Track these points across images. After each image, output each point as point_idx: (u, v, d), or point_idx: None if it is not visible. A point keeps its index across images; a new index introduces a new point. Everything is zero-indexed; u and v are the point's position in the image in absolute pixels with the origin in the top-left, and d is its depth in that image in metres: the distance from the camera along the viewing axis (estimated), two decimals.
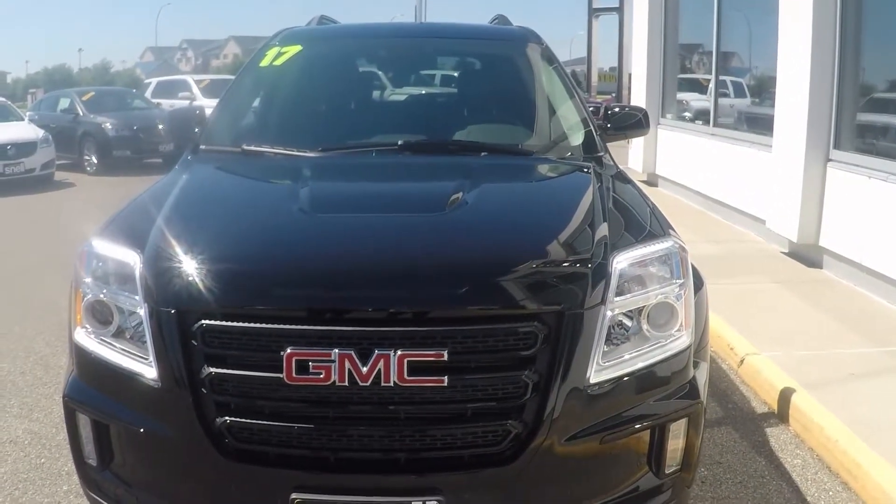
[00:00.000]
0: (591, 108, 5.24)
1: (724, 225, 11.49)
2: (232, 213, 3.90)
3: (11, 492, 4.63)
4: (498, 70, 5.70)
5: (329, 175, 4.40)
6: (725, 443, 5.13)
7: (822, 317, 7.13)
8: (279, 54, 5.41)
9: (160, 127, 20.66)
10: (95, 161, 21.51)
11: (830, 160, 8.63)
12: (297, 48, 5.49)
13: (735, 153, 11.30)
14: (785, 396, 5.48)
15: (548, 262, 3.26)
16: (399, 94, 5.82)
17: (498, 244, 3.40)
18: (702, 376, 3.41)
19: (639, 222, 3.80)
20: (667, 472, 3.22)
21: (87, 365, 3.30)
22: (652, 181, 15.21)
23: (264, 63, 5.41)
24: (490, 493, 2.98)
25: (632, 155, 15.94)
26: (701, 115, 13.50)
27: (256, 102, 5.47)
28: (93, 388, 3.29)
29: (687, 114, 14.48)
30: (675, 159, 14.09)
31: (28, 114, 23.59)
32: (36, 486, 4.69)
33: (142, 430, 3.10)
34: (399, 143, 4.60)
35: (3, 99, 22.58)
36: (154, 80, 30.81)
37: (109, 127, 21.36)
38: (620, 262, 3.19)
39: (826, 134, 8.66)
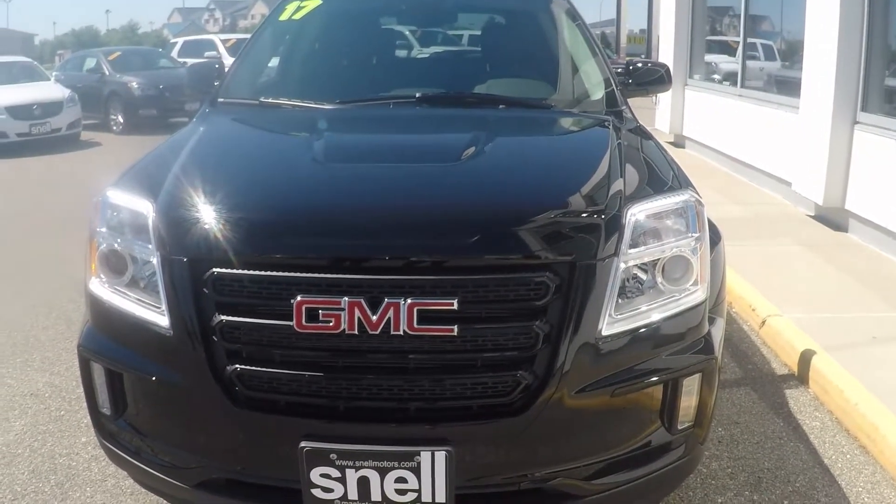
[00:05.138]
0: (618, 70, 5.20)
1: (751, 187, 11.40)
2: (246, 163, 3.89)
3: (31, 443, 4.69)
4: (521, 25, 5.64)
5: (344, 126, 4.39)
6: (744, 403, 5.11)
7: (846, 280, 7.07)
8: (298, 8, 5.40)
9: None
10: (121, 120, 21.56)
11: (857, 122, 8.51)
12: (316, 2, 5.47)
13: (762, 115, 11.18)
14: (805, 358, 5.44)
15: (561, 213, 3.20)
16: (419, 49, 5.78)
17: (511, 194, 3.37)
18: (717, 332, 3.37)
19: (656, 175, 3.75)
20: (679, 427, 3.18)
21: (102, 314, 3.31)
22: (679, 142, 15.11)
23: (283, 17, 5.40)
24: (499, 444, 2.95)
25: (659, 116, 15.83)
26: (729, 77, 13.36)
27: (275, 56, 5.47)
28: (107, 337, 3.29)
29: (715, 75, 14.33)
30: (702, 121, 13.96)
31: (54, 74, 23.64)
32: (55, 438, 4.74)
33: (154, 378, 3.11)
34: (417, 95, 4.57)
35: (29, 59, 22.70)
36: (180, 40, 30.73)
37: (135, 86, 21.38)
38: (635, 213, 3.14)
39: (853, 96, 8.54)
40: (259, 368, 2.95)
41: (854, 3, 8.40)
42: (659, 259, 3.14)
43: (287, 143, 4.34)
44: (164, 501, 3.71)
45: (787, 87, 10.91)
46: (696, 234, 3.23)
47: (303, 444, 2.86)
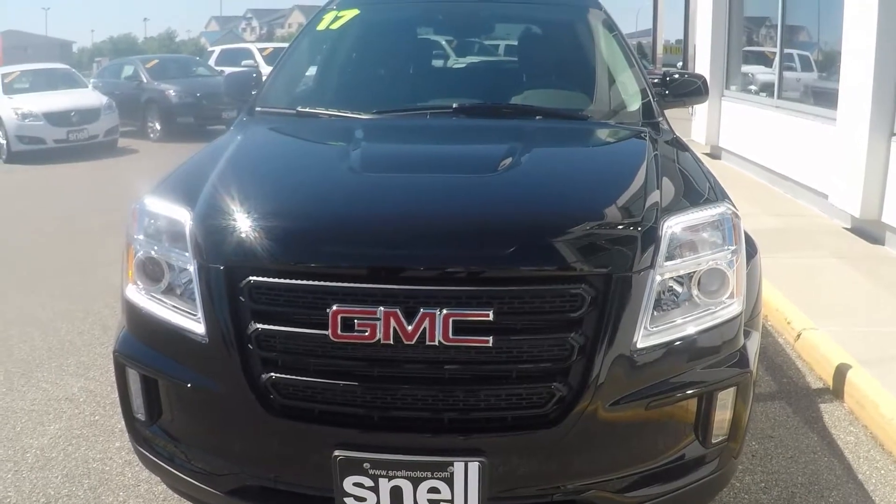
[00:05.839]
0: (655, 80, 5.18)
1: (787, 199, 11.31)
2: (282, 172, 3.91)
3: (65, 447, 4.73)
4: (557, 36, 5.63)
5: (381, 136, 4.39)
6: (778, 417, 5.06)
7: (882, 293, 7.00)
8: (336, 18, 5.42)
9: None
10: (159, 128, 21.74)
11: (895, 135, 8.43)
12: (354, 12, 5.49)
13: (799, 126, 11.09)
14: (841, 372, 5.39)
15: (597, 225, 3.20)
16: (455, 59, 5.80)
17: (547, 205, 3.35)
18: (753, 346, 3.34)
19: (693, 187, 3.74)
20: (713, 441, 3.16)
21: (138, 321, 3.33)
22: (715, 154, 15.02)
23: (321, 27, 5.43)
24: (533, 455, 2.95)
25: (695, 127, 15.75)
26: (766, 88, 13.27)
27: (312, 66, 5.49)
28: (142, 343, 3.32)
29: (752, 86, 14.24)
30: (738, 132, 13.88)
31: (92, 81, 23.87)
32: (89, 443, 4.78)
33: (189, 385, 3.12)
34: (454, 105, 4.56)
35: (67, 66, 22.93)
36: (218, 49, 30.93)
37: (173, 94, 21.54)
38: (671, 226, 3.13)
39: (891, 108, 8.46)
40: (294, 377, 2.96)
41: (892, 14, 8.32)
42: (695, 272, 3.12)
43: (324, 152, 4.35)
44: None
45: (824, 98, 10.81)
46: (733, 247, 3.21)
47: (336, 452, 2.86)
